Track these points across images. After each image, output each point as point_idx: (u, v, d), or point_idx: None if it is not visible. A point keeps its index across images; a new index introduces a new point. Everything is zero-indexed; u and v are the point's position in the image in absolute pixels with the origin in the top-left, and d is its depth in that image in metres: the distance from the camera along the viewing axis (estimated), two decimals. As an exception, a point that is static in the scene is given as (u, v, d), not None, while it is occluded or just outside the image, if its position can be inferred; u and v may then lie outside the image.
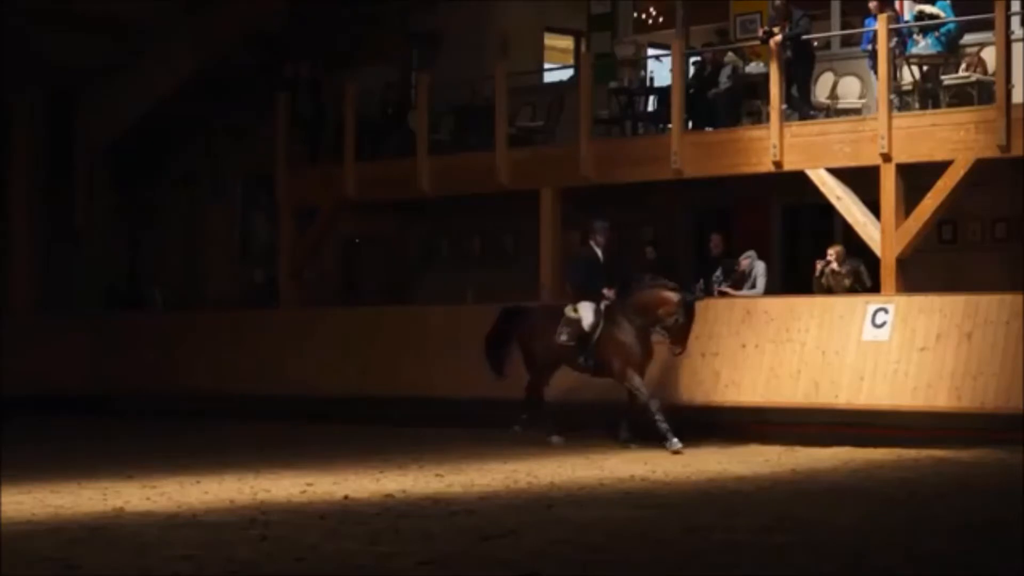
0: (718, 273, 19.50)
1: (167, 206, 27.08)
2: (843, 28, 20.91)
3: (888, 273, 18.10)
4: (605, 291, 17.26)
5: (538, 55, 24.93)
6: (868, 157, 18.24)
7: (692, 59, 20.86)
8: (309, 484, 13.13)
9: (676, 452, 16.18)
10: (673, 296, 16.88)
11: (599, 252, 17.65)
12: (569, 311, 17.55)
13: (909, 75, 18.77)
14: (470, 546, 9.55)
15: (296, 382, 22.15)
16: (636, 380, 17.01)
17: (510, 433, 17.57)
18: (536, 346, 17.90)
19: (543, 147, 21.71)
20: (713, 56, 20.59)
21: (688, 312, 16.90)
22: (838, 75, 20.19)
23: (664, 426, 16.52)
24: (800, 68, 19.30)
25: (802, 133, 18.84)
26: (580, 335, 17.35)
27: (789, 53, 19.06)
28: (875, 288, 18.29)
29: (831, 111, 19.73)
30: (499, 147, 21.21)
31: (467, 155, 21.87)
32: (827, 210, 19.25)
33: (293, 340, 22.64)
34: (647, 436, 16.74)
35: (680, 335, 16.93)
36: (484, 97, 22.36)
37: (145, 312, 25.49)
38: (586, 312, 17.37)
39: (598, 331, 17.25)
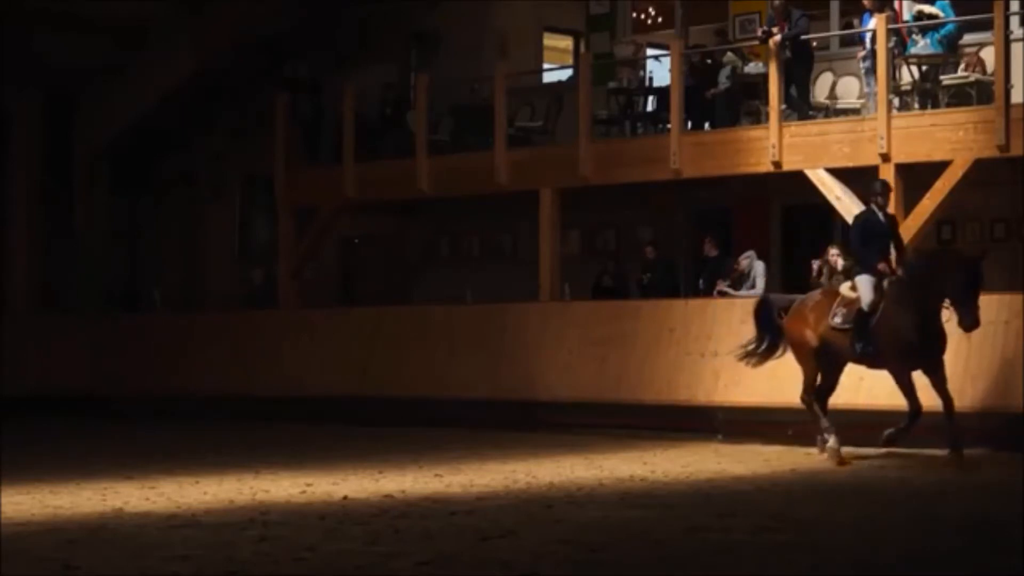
0: (706, 272, 19.57)
1: (167, 206, 27.09)
2: (842, 28, 20.91)
3: (887, 273, 18.08)
4: (881, 266, 14.96)
5: (537, 55, 24.93)
6: (867, 157, 18.23)
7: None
8: (308, 484, 13.13)
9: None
10: (955, 257, 14.92)
11: (880, 215, 15.35)
12: (846, 289, 15.38)
13: (908, 75, 18.77)
14: (469, 546, 9.55)
15: (296, 382, 22.14)
16: (907, 380, 14.82)
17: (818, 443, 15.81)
18: (806, 333, 15.65)
19: (542, 147, 21.71)
20: (701, 58, 20.60)
21: (971, 272, 14.46)
22: (837, 75, 20.19)
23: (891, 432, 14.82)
24: (799, 68, 19.30)
25: (801, 133, 18.84)
26: (857, 317, 15.03)
27: (788, 53, 19.07)
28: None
29: (830, 111, 19.73)
30: (498, 147, 21.21)
31: (466, 155, 21.87)
32: (826, 210, 19.25)
33: (293, 340, 22.64)
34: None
35: (966, 304, 14.37)
36: (483, 97, 22.36)
37: (145, 312, 25.49)
38: (865, 289, 14.97)
39: (879, 312, 14.91)
